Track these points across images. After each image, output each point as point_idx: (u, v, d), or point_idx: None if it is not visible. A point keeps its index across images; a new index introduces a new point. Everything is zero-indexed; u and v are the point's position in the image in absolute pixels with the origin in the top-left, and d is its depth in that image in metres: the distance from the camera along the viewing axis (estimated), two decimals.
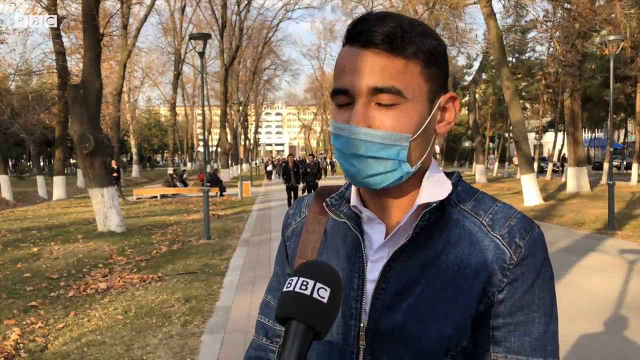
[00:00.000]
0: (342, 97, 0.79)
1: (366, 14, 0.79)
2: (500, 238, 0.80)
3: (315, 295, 0.63)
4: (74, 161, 39.95)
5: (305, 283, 0.64)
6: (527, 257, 0.79)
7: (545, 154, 42.65)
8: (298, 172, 14.65)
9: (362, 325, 0.83)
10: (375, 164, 0.78)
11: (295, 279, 0.65)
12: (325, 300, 0.63)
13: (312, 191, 0.93)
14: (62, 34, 21.32)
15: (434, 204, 0.80)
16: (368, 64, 0.76)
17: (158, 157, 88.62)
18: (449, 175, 0.89)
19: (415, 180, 0.83)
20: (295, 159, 16.27)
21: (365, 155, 0.77)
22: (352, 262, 0.86)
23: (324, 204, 0.90)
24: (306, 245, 0.93)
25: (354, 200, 0.87)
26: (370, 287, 0.84)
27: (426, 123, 0.80)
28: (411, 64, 0.76)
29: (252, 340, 1.03)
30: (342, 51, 0.80)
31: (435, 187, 0.83)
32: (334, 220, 0.91)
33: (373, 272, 0.84)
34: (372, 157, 0.77)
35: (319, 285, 0.64)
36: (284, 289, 0.65)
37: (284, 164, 16.42)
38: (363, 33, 0.77)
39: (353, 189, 0.89)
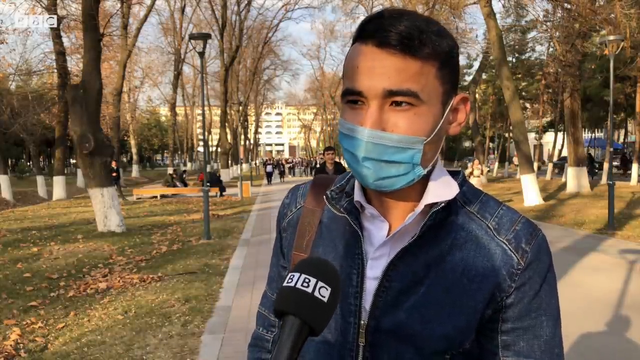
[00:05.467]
0: (354, 97, 0.77)
1: (380, 11, 0.76)
2: (506, 243, 0.80)
3: (316, 293, 0.64)
4: (74, 161, 39.93)
5: (307, 280, 0.65)
6: (534, 261, 0.80)
7: (545, 154, 42.68)
8: None
9: (362, 322, 0.83)
10: (388, 167, 0.76)
11: (297, 274, 0.65)
12: (325, 300, 0.64)
13: None
14: (62, 34, 21.33)
15: (442, 204, 0.80)
16: (382, 64, 0.73)
17: (158, 157, 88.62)
18: (453, 174, 0.88)
19: (421, 180, 0.82)
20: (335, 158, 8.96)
21: (378, 158, 0.76)
22: (350, 258, 0.85)
23: (324, 197, 0.89)
24: (302, 239, 0.93)
25: (357, 195, 0.86)
26: (370, 284, 0.83)
27: (439, 125, 0.78)
28: (427, 66, 0.74)
29: (254, 330, 1.06)
30: (355, 48, 0.78)
31: (442, 187, 0.82)
32: (331, 213, 0.90)
33: (374, 269, 0.83)
34: (386, 160, 0.76)
35: (320, 284, 0.64)
36: (285, 284, 0.66)
37: (317, 166, 11.38)
38: (377, 32, 0.74)
39: (356, 183, 0.87)
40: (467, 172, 14.90)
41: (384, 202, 0.85)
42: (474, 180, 13.30)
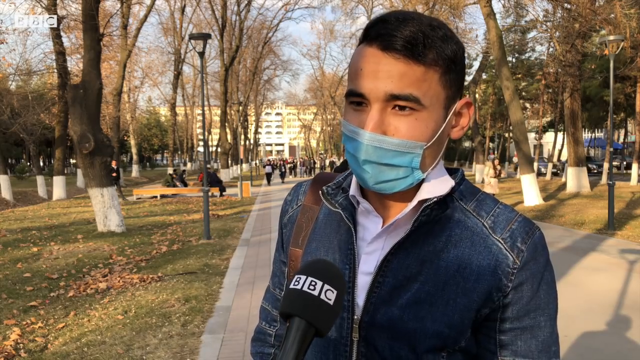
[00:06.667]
0: (357, 98, 0.77)
1: (386, 14, 0.77)
2: (502, 241, 0.80)
3: (322, 296, 0.64)
4: (74, 161, 39.93)
5: (313, 283, 0.65)
6: (530, 261, 0.79)
7: (546, 154, 42.68)
8: None
9: (355, 317, 0.83)
10: (387, 171, 0.77)
11: (303, 277, 0.66)
12: (331, 303, 0.65)
13: None
14: (62, 34, 21.31)
15: (434, 199, 0.80)
16: (386, 68, 0.74)
17: (158, 157, 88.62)
18: (452, 172, 0.88)
19: (421, 180, 0.82)
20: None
21: (378, 162, 0.76)
22: (343, 254, 0.86)
23: (320, 192, 0.90)
24: (298, 235, 0.94)
25: (353, 190, 0.86)
26: (363, 279, 0.83)
27: (441, 130, 0.78)
28: (430, 71, 0.75)
29: (257, 324, 1.08)
30: (360, 50, 0.78)
31: (436, 184, 0.82)
32: (327, 209, 0.92)
33: (367, 264, 0.84)
34: (385, 164, 0.76)
35: (327, 287, 0.65)
36: (291, 286, 0.66)
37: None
38: (382, 35, 0.74)
39: (353, 179, 0.88)
40: (487, 172, 14.41)
41: (381, 199, 0.85)
42: (489, 184, 12.72)
